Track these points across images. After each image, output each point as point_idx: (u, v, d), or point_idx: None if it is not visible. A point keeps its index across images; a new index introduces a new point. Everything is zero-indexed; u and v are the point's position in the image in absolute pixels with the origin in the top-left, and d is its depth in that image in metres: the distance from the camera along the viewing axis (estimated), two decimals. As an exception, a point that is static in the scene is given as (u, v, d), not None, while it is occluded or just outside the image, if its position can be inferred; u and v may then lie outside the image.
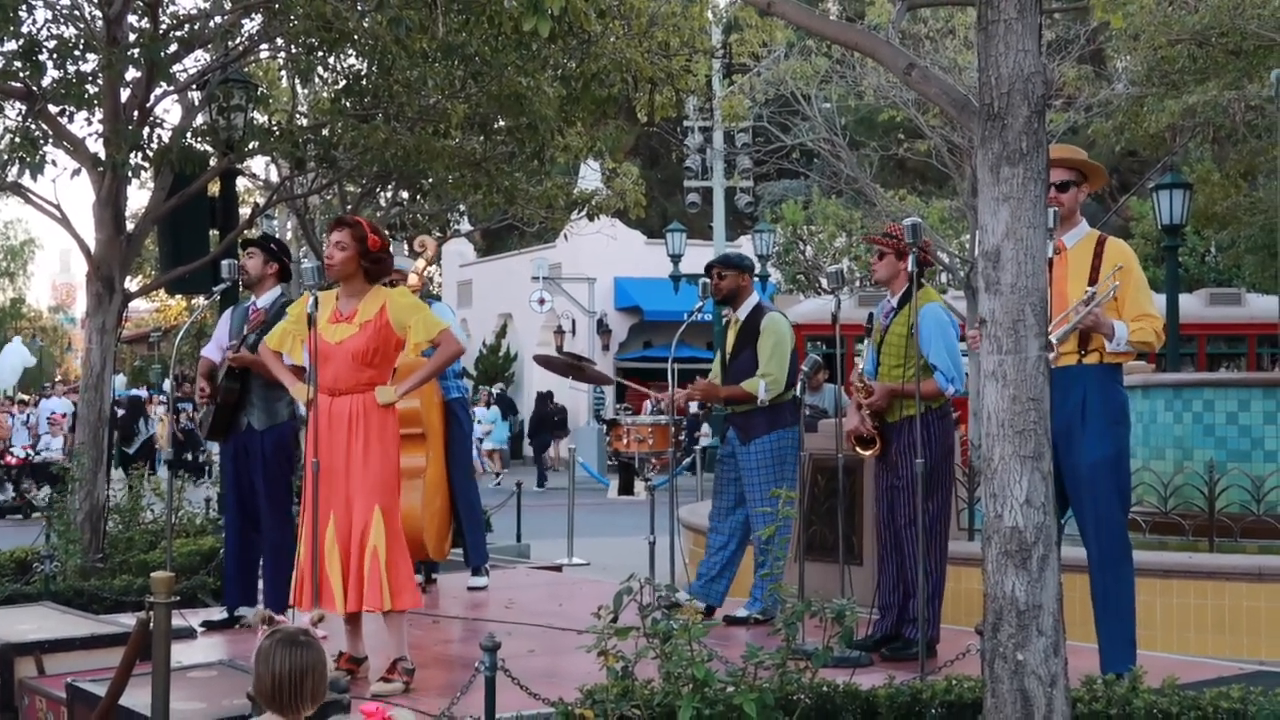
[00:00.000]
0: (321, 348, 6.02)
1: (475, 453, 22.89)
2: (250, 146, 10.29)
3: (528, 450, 30.69)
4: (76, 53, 8.68)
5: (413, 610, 8.14)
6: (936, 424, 6.74)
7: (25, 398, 38.07)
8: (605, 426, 19.65)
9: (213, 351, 7.65)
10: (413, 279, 8.64)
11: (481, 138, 11.49)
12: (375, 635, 6.35)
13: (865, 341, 7.13)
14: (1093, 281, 5.72)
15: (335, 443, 6.04)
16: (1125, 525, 5.78)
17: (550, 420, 29.04)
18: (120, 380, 30.11)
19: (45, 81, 8.65)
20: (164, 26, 9.38)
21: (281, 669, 3.48)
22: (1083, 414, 5.68)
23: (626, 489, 22.94)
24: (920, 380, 6.52)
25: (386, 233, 6.34)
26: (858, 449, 6.87)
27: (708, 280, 7.95)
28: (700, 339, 29.39)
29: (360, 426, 6.08)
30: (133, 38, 9.11)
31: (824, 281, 28.86)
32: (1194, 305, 20.74)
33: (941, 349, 6.65)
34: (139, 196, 24.76)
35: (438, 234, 18.12)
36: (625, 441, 7.63)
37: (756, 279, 9.26)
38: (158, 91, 9.45)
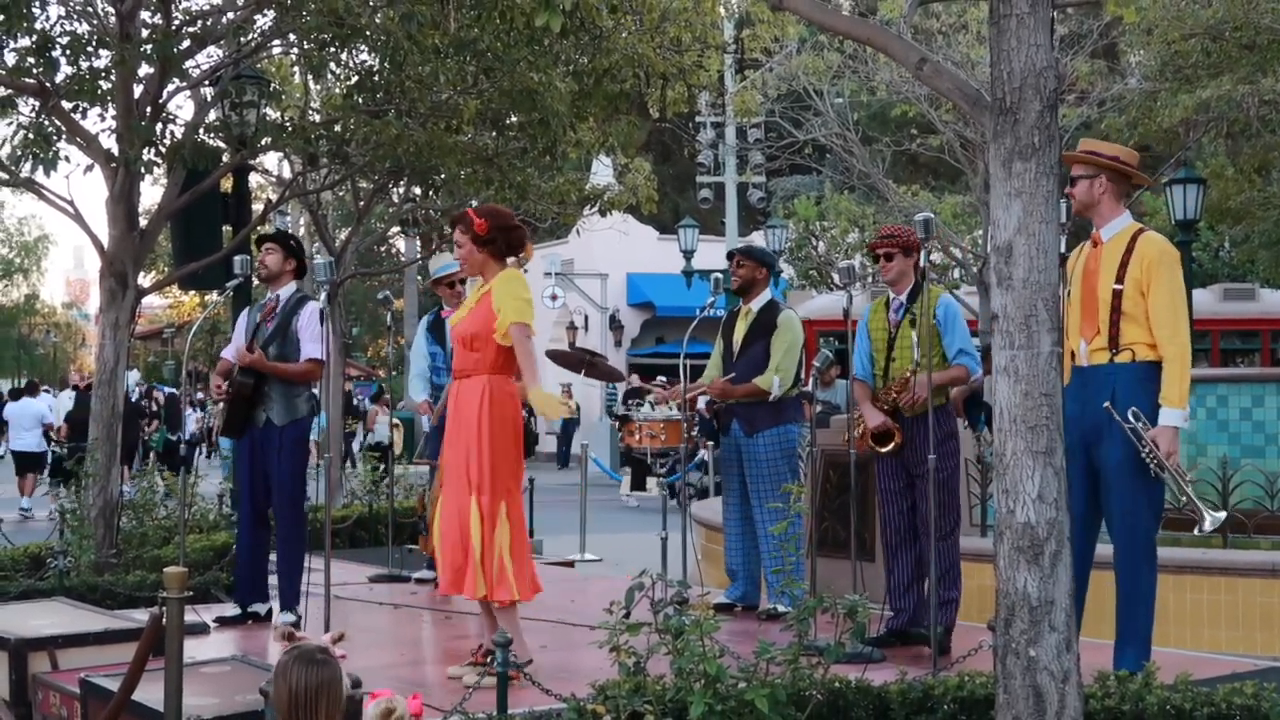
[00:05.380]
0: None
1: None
2: (263, 142, 10.29)
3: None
4: (90, 49, 8.68)
5: (426, 605, 8.24)
6: (946, 416, 6.71)
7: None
8: (618, 422, 19.55)
9: (232, 354, 7.63)
10: None
11: (494, 133, 11.48)
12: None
13: (858, 341, 6.99)
14: (1120, 279, 5.63)
15: (454, 429, 6.15)
16: (1149, 528, 5.62)
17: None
18: (134, 376, 30.10)
19: (58, 77, 8.66)
20: (177, 22, 9.39)
21: (298, 686, 3.51)
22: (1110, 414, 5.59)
23: (639, 485, 22.90)
24: (947, 368, 6.52)
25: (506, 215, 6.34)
26: (876, 446, 6.77)
27: (719, 275, 7.95)
28: (713, 335, 29.06)
29: (464, 415, 6.11)
30: (145, 34, 9.11)
31: (836, 277, 28.77)
32: (1208, 301, 20.65)
33: (967, 335, 6.60)
34: (152, 192, 24.80)
35: (449, 230, 18.08)
36: (638, 438, 7.62)
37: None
38: (170, 87, 9.45)
